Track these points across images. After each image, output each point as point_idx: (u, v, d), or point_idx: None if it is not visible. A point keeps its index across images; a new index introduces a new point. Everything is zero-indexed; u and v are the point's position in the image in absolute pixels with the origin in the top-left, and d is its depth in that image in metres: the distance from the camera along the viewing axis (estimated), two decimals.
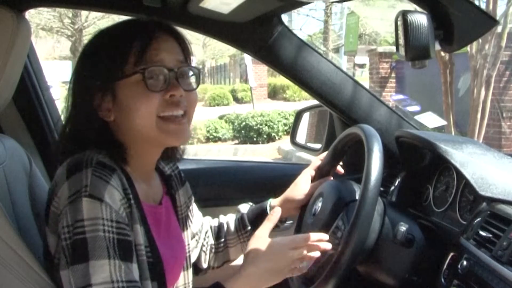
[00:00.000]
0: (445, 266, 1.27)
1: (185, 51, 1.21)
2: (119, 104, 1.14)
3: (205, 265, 1.49)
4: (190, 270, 1.36)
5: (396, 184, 1.65)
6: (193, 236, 1.43)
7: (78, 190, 1.03)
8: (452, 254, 1.27)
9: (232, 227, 1.50)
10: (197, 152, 10.86)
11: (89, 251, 1.00)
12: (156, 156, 1.25)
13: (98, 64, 1.16)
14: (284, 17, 3.16)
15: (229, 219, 1.53)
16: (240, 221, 1.50)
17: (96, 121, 1.15)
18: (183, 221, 1.36)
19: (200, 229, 1.47)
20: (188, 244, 1.37)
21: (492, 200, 1.27)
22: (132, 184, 1.14)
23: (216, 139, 11.91)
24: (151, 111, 1.13)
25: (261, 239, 1.24)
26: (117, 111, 1.15)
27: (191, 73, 1.21)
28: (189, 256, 1.37)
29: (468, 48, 6.31)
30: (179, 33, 1.22)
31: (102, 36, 1.21)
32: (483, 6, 6.15)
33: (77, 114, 1.18)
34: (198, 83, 1.22)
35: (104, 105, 1.15)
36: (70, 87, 1.20)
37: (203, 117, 12.29)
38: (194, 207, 1.46)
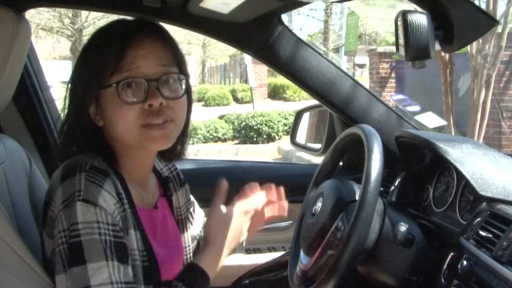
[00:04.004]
0: (445, 266, 1.27)
1: (174, 53, 1.17)
2: (102, 112, 1.14)
3: None
4: None
5: (396, 184, 1.65)
6: (193, 239, 1.43)
7: (71, 194, 1.03)
8: (452, 254, 1.27)
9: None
10: (198, 152, 10.86)
11: (85, 254, 1.00)
12: (149, 160, 1.23)
13: (83, 71, 1.15)
14: (284, 17, 3.16)
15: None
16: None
17: (87, 124, 1.14)
18: (182, 223, 1.35)
19: (201, 231, 1.47)
20: (188, 246, 1.36)
21: (492, 200, 1.27)
22: (127, 188, 1.13)
23: (216, 139, 11.91)
24: (130, 122, 1.10)
25: (216, 214, 1.33)
26: (102, 117, 1.14)
27: (176, 78, 1.15)
28: (189, 257, 1.36)
29: (468, 48, 6.31)
30: (165, 34, 1.17)
31: (91, 39, 1.19)
32: (483, 6, 6.15)
33: (71, 117, 1.17)
34: (186, 90, 1.16)
35: (92, 111, 1.14)
36: (68, 88, 1.19)
37: (203, 117, 12.29)
38: (196, 209, 1.46)
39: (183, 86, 1.16)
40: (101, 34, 1.18)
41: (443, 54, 6.08)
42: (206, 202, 1.65)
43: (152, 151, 1.21)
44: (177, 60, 1.17)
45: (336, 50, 15.89)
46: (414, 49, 1.09)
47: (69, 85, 1.18)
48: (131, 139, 1.12)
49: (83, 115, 1.14)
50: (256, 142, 11.61)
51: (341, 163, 1.64)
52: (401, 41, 1.12)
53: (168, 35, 1.18)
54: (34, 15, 14.30)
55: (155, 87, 1.11)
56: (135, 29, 1.15)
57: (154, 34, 1.15)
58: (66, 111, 1.19)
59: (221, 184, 1.37)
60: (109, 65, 1.10)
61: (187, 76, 1.18)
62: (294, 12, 13.44)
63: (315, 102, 2.00)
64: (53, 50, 23.56)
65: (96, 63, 1.12)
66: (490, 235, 1.18)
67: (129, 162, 1.18)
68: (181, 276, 1.23)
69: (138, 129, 1.11)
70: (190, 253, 1.37)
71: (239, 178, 2.07)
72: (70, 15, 15.13)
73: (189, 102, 1.22)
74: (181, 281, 1.20)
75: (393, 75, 10.19)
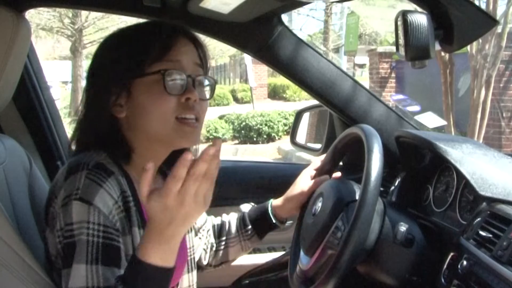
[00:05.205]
0: (445, 266, 1.27)
1: (204, 59, 1.22)
2: (134, 101, 1.14)
3: (205, 263, 1.49)
4: (195, 272, 1.36)
5: (396, 184, 1.64)
6: (196, 233, 1.43)
7: (70, 193, 1.03)
8: (452, 254, 1.27)
9: (233, 227, 1.50)
10: (198, 153, 10.86)
11: (75, 255, 1.00)
12: (162, 158, 1.23)
13: (118, 59, 1.15)
14: (284, 17, 3.15)
15: (231, 218, 1.53)
16: (242, 221, 1.50)
17: (107, 116, 1.14)
18: None
19: (203, 225, 1.47)
20: (192, 246, 1.36)
21: (492, 200, 1.27)
22: (133, 186, 1.13)
23: None
24: (168, 112, 1.13)
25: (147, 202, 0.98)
26: (130, 108, 1.14)
27: (207, 82, 1.22)
28: (193, 258, 1.36)
29: (468, 48, 6.32)
30: (199, 40, 1.23)
31: (124, 32, 1.21)
32: (483, 6, 6.16)
33: (91, 108, 1.17)
34: (212, 94, 1.23)
35: (117, 101, 1.14)
36: (88, 80, 1.20)
37: None
38: None
39: (210, 91, 1.23)
40: (142, 27, 1.23)
41: (443, 54, 6.09)
42: None
43: (169, 149, 1.21)
44: (206, 68, 1.24)
45: (336, 50, 15.89)
46: (414, 49, 1.09)
47: (91, 73, 1.19)
48: (164, 130, 1.13)
49: (105, 105, 1.14)
50: (256, 142, 11.61)
51: (341, 163, 1.63)
52: (401, 41, 1.12)
53: (203, 44, 1.24)
54: (34, 15, 14.28)
55: (191, 83, 1.15)
56: (180, 29, 1.21)
57: (193, 38, 1.21)
58: (86, 101, 1.18)
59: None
60: (153, 53, 1.13)
61: (215, 82, 1.25)
62: (294, 12, 13.45)
63: (315, 102, 2.00)
64: (53, 50, 23.51)
65: (140, 50, 1.14)
66: (490, 235, 1.18)
67: (141, 158, 1.17)
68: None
69: (173, 121, 1.13)
70: (193, 253, 1.37)
71: (239, 178, 2.09)
72: (70, 15, 15.10)
73: None
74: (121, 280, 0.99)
75: (393, 75, 10.19)
